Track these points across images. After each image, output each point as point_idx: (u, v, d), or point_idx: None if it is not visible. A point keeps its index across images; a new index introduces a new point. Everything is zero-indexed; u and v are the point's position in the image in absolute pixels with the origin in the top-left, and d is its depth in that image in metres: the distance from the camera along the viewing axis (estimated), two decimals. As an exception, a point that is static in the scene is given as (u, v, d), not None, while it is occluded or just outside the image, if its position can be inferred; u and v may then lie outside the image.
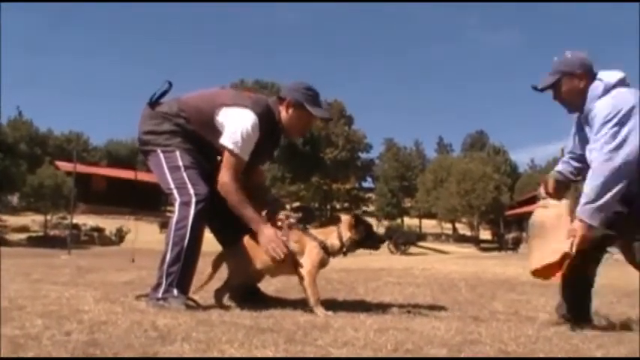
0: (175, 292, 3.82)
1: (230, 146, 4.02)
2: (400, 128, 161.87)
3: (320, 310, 3.85)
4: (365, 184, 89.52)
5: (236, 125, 4.03)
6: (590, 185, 3.64)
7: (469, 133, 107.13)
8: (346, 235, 4.11)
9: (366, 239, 4.18)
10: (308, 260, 4.01)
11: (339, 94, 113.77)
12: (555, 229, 3.83)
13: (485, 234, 71.44)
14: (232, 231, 4.24)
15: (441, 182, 69.36)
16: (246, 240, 4.14)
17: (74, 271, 7.65)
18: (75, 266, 8.85)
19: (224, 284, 4.20)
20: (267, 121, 4.13)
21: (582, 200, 3.67)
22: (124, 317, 3.12)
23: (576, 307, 4.04)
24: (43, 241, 39.54)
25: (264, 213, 4.23)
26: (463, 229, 75.43)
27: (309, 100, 4.21)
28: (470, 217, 68.08)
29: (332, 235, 4.12)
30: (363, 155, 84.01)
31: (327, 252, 4.07)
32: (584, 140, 3.97)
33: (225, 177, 4.01)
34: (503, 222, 65.95)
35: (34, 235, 44.05)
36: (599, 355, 2.67)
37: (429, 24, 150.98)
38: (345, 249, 4.12)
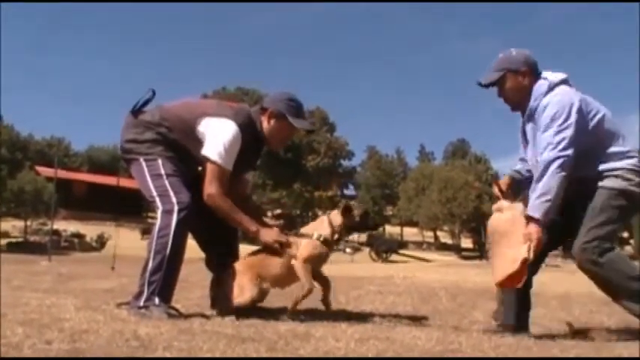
0: (157, 300, 3.81)
1: (213, 157, 4.02)
2: (382, 136, 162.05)
3: (298, 300, 4.01)
4: (347, 192, 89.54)
5: (218, 136, 4.03)
6: (540, 182, 3.69)
7: (451, 141, 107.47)
8: (337, 221, 4.15)
9: (361, 223, 4.27)
10: (303, 251, 4.04)
11: (322, 101, 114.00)
12: (511, 234, 3.84)
13: (466, 242, 71.64)
14: (217, 240, 4.24)
15: (422, 190, 69.55)
16: (251, 261, 4.15)
17: (55, 278, 7.61)
18: (56, 273, 8.79)
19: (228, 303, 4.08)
20: (248, 131, 4.14)
21: (533, 196, 3.71)
22: (105, 326, 3.11)
23: (516, 314, 4.07)
24: (23, 247, 39.22)
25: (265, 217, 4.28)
26: (444, 238, 75.63)
27: (292, 111, 4.22)
28: (451, 226, 68.34)
29: (322, 226, 4.16)
30: (345, 163, 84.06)
31: (325, 243, 4.11)
32: (527, 137, 4.02)
33: (210, 188, 4.01)
34: (485, 230, 65.98)
35: (13, 240, 43.67)
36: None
37: (411, 32, 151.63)
38: (337, 235, 4.16)
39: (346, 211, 4.19)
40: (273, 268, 4.08)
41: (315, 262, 4.12)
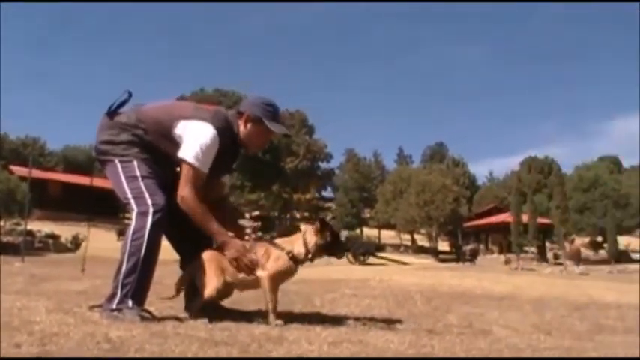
0: (130, 303, 3.78)
1: (190, 160, 3.99)
2: (361, 139, 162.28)
3: (272, 319, 3.87)
4: (325, 194, 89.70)
5: (195, 138, 4.01)
6: None
7: (429, 145, 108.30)
8: (312, 240, 4.10)
9: (331, 244, 4.16)
10: (273, 265, 3.99)
11: (301, 104, 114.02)
12: None
13: (443, 245, 71.87)
14: (191, 242, 4.23)
15: (400, 193, 69.74)
16: (214, 254, 4.10)
17: (27, 279, 7.54)
18: (28, 274, 8.72)
19: (198, 299, 4.06)
20: (225, 134, 4.12)
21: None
22: (76, 328, 3.08)
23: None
24: (-4, 248, 38.75)
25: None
26: (422, 240, 75.87)
27: (268, 115, 4.22)
28: (428, 229, 68.55)
29: (297, 243, 4.11)
30: (324, 165, 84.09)
31: (295, 261, 4.05)
32: None
33: (185, 191, 3.98)
34: (462, 233, 66.60)
35: (-14, 241, 43.14)
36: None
37: (391, 37, 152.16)
38: (310, 255, 4.10)
39: (322, 227, 4.13)
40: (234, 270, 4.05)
41: (282, 280, 4.09)
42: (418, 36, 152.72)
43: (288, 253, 4.04)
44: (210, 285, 3.95)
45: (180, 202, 3.98)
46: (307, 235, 4.13)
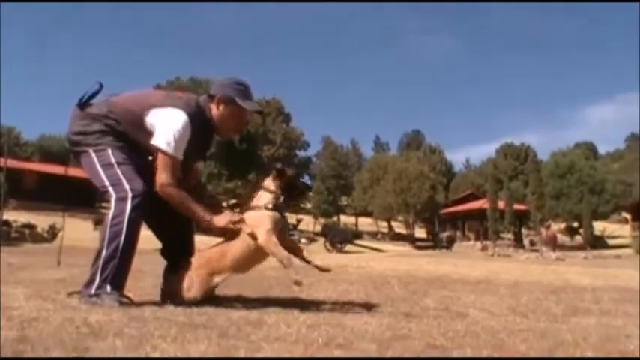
0: (109, 288, 3.77)
1: (163, 147, 3.97)
2: (338, 127, 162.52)
3: (292, 273, 3.91)
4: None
5: (167, 125, 3.99)
6: None
7: (406, 132, 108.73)
8: (271, 186, 4.14)
9: (291, 185, 4.21)
10: (259, 225, 3.99)
11: (277, 92, 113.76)
12: None
13: (420, 232, 72.29)
14: (172, 230, 4.23)
15: (377, 181, 69.97)
16: (207, 252, 4.13)
17: (4, 268, 7.47)
18: (5, 263, 8.63)
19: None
20: (198, 120, 4.09)
21: None
22: (55, 314, 3.07)
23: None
24: (-28, 238, 38.37)
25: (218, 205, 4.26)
26: (399, 228, 76.21)
27: (239, 94, 4.18)
28: (405, 216, 68.86)
29: (264, 196, 4.13)
30: (301, 153, 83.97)
31: (275, 209, 4.08)
32: None
33: (162, 178, 3.96)
34: (439, 220, 66.96)
35: (-39, 231, 42.70)
36: (522, 348, 2.76)
37: (371, 27, 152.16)
38: (280, 198, 4.13)
39: (278, 175, 4.17)
40: (233, 254, 4.03)
41: (276, 230, 4.05)
42: (396, 26, 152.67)
43: (266, 207, 4.06)
44: (191, 292, 3.97)
45: (159, 189, 3.96)
46: (267, 185, 4.17)
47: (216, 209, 4.23)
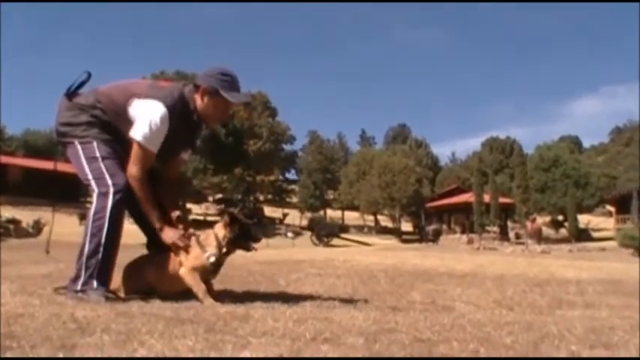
0: (95, 284, 3.77)
1: (138, 138, 3.96)
2: (324, 121, 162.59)
3: (203, 299, 3.85)
4: (288, 176, 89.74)
5: (144, 117, 3.97)
6: None
7: (391, 126, 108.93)
8: (221, 233, 4.06)
9: (240, 237, 4.08)
10: (188, 262, 3.99)
11: (264, 86, 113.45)
12: None
13: (406, 226, 72.50)
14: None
15: (363, 175, 70.15)
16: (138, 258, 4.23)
17: (-12, 264, 7.43)
18: (-11, 259, 8.60)
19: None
20: (180, 111, 4.07)
21: None
22: (41, 309, 3.06)
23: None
24: (-44, 234, 38.06)
25: (175, 214, 4.21)
26: (385, 221, 76.45)
27: (225, 85, 4.12)
28: (391, 210, 69.13)
29: (210, 239, 4.06)
30: (287, 147, 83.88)
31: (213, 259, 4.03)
32: None
33: (132, 170, 3.97)
34: (424, 214, 67.16)
35: (-55, 227, 42.36)
36: (508, 341, 2.77)
37: (355, 21, 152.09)
38: (223, 249, 4.05)
39: (231, 222, 4.08)
40: (155, 270, 4.11)
41: (202, 273, 4.00)
42: (381, 19, 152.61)
43: (207, 255, 4.00)
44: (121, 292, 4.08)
45: (129, 180, 3.97)
46: (217, 230, 4.10)
47: (177, 221, 4.19)
